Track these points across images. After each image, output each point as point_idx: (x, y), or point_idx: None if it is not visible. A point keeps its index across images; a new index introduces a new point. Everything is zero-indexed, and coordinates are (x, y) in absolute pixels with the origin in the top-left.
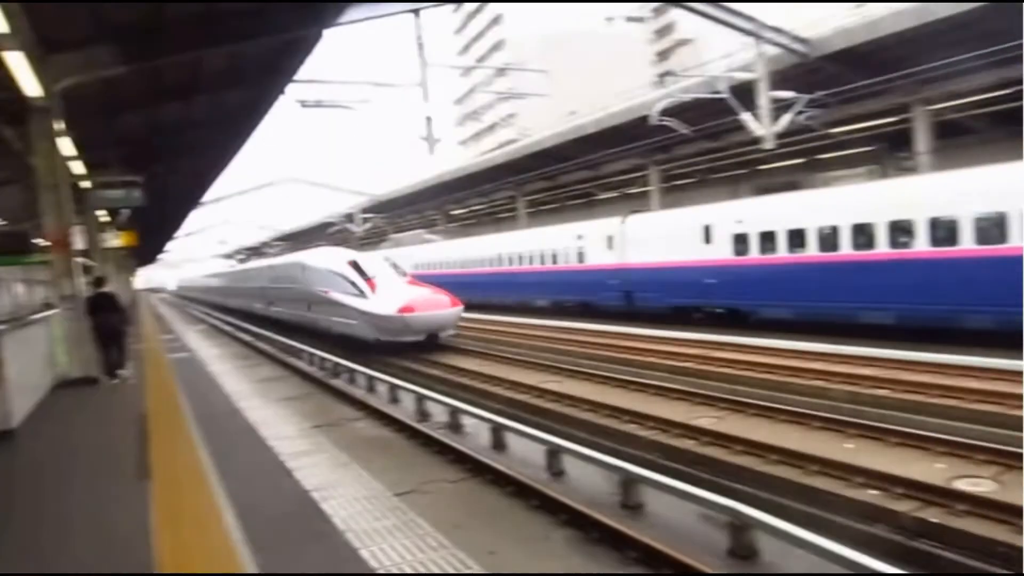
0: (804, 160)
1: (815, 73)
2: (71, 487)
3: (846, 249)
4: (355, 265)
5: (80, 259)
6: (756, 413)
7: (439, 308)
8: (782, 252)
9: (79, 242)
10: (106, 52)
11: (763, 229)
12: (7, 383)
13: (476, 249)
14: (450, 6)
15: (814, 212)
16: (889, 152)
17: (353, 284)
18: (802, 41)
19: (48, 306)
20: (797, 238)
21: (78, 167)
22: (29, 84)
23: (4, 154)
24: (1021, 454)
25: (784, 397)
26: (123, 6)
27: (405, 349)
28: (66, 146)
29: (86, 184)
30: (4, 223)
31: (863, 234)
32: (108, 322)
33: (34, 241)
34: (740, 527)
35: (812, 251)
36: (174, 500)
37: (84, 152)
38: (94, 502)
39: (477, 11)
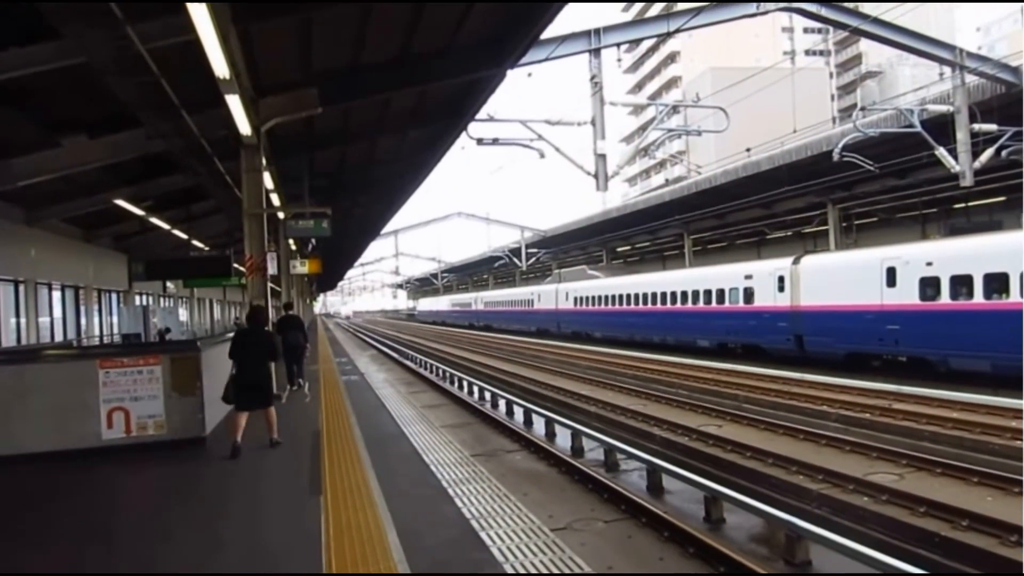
0: (1006, 198)
1: (1020, 104)
2: (252, 496)
3: None
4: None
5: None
6: (943, 472)
7: None
8: (979, 298)
9: (272, 267)
10: (308, 95)
11: (957, 272)
12: (203, 394)
13: (639, 286)
14: (624, 45)
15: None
16: None
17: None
18: (1011, 69)
19: (240, 325)
20: (997, 282)
21: (275, 199)
22: (242, 123)
23: (218, 185)
24: None
25: (977, 457)
26: (329, 52)
27: None
28: (267, 179)
29: (281, 215)
30: (207, 248)
31: None
32: (294, 340)
33: (233, 265)
34: None
35: (1015, 296)
36: (342, 516)
37: (281, 185)
38: (272, 512)
39: (653, 49)
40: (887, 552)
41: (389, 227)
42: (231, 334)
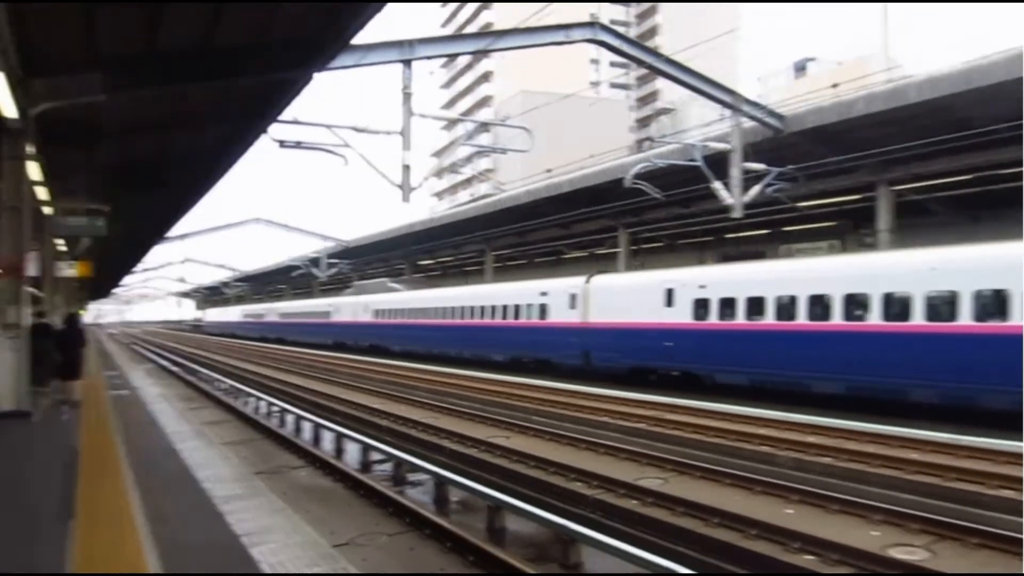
0: (769, 231)
1: (787, 148)
2: None
3: (802, 319)
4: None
5: (30, 288)
6: (702, 476)
7: None
8: (740, 319)
9: (32, 269)
10: (90, 79)
11: (724, 295)
12: None
13: (438, 300)
14: (439, 60)
15: (776, 283)
16: (852, 228)
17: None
18: (777, 116)
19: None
20: (756, 306)
21: (42, 192)
22: (6, 105)
23: None
24: (953, 523)
25: (731, 461)
26: (118, 35)
27: None
28: (33, 170)
29: (48, 210)
30: None
31: (819, 305)
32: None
33: None
34: None
35: (769, 319)
36: (95, 542)
37: (51, 178)
38: (8, 543)
39: (467, 67)
40: (653, 552)
41: (177, 230)
42: None
